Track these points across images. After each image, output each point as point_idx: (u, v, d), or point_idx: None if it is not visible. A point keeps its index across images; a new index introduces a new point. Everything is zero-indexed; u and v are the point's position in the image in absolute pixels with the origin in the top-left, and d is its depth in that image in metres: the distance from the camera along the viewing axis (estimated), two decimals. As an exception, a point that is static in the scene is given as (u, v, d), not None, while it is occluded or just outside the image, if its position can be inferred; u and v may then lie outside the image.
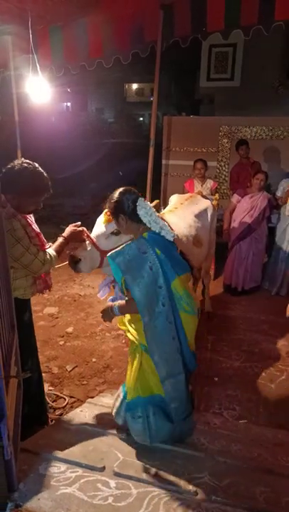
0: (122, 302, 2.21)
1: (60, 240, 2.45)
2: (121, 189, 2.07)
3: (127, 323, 2.27)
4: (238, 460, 2.22)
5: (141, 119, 15.04)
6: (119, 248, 2.08)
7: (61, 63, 5.29)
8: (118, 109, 14.28)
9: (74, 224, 2.54)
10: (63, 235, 2.47)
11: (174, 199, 3.66)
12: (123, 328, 2.35)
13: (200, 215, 3.45)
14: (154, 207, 2.62)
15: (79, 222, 2.52)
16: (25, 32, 4.24)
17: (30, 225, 2.30)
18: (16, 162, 2.17)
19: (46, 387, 3.05)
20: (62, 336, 3.80)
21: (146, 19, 5.03)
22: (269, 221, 4.61)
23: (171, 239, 2.07)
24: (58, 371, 3.29)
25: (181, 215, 3.28)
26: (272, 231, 4.72)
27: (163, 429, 2.21)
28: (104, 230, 2.50)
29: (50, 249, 2.36)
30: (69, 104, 14.21)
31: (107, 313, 2.23)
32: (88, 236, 2.52)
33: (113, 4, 4.59)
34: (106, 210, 2.49)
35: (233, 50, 7.15)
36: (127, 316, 2.26)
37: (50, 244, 2.44)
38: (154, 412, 2.18)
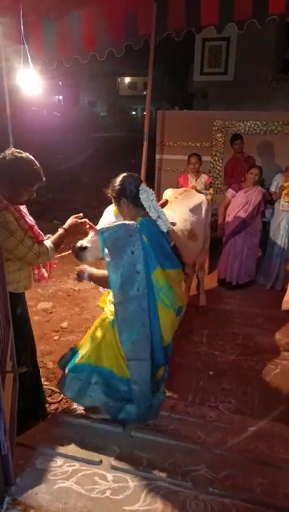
0: (95, 271, 2.25)
1: (60, 231, 2.40)
2: (124, 174, 2.14)
3: (107, 302, 2.36)
4: (235, 452, 2.24)
5: (134, 112, 14.97)
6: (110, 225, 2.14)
7: (54, 56, 5.23)
8: (111, 103, 14.19)
9: (76, 215, 2.47)
10: (64, 226, 2.42)
11: (168, 193, 3.65)
12: (101, 305, 2.46)
13: (194, 210, 3.45)
14: (162, 205, 2.63)
15: (81, 214, 2.47)
16: (17, 23, 4.18)
17: (23, 217, 2.28)
18: (7, 152, 2.13)
19: (42, 382, 3.04)
20: (57, 331, 3.78)
21: (139, 12, 4.99)
22: (263, 216, 4.62)
23: (165, 230, 2.09)
24: (53, 366, 3.27)
25: (176, 209, 3.28)
26: (265, 226, 4.74)
27: (97, 400, 2.29)
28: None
29: (48, 241, 2.33)
30: (61, 97, 14.06)
31: (80, 276, 2.29)
32: (92, 227, 2.49)
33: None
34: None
35: (227, 44, 7.13)
36: (110, 296, 2.31)
37: (49, 235, 2.41)
38: (97, 381, 2.26)
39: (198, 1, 4.64)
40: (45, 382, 3.06)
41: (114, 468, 1.99)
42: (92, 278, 2.25)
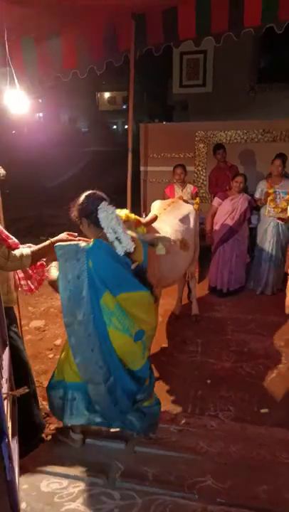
0: (53, 275, 2.19)
1: (46, 242, 2.30)
2: (87, 192, 2.09)
3: None
4: (238, 461, 2.24)
5: (114, 127, 15.12)
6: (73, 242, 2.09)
7: (35, 75, 5.28)
8: (91, 118, 14.31)
9: (69, 233, 2.39)
10: (52, 239, 2.32)
11: (156, 205, 3.68)
12: None
13: (184, 220, 3.49)
14: (151, 221, 2.59)
15: (76, 234, 2.39)
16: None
17: None
18: None
19: (40, 401, 3.00)
20: (51, 349, 3.74)
21: (118, 29, 5.08)
22: (249, 222, 4.69)
23: (121, 253, 2.01)
24: (50, 384, 3.24)
25: (166, 220, 3.32)
26: (252, 231, 4.81)
27: (80, 416, 2.22)
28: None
29: (26, 249, 2.26)
30: (41, 114, 14.12)
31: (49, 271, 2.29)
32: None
33: (86, 14, 4.61)
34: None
35: (204, 56, 7.28)
36: None
37: (30, 244, 2.36)
38: (75, 397, 2.21)
39: (176, 16, 4.76)
40: (43, 402, 3.02)
41: (120, 485, 1.97)
42: (51, 281, 2.23)
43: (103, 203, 2.00)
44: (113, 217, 1.99)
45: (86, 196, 2.07)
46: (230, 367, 3.39)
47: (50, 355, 3.65)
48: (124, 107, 14.68)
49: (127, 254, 2.04)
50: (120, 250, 2.00)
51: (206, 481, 2.04)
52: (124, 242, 1.99)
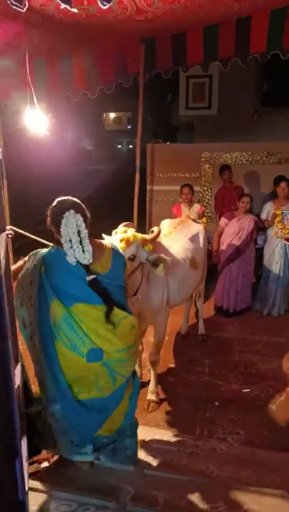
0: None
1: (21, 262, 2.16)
2: (58, 199, 2.00)
3: None
4: (251, 486, 2.18)
5: (119, 146, 15.38)
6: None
7: (45, 95, 5.40)
8: (97, 137, 14.57)
9: None
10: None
11: (166, 224, 3.70)
12: None
13: (193, 239, 3.51)
14: (155, 236, 2.58)
15: None
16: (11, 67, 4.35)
17: None
18: None
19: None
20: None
21: (128, 53, 5.23)
22: (255, 243, 4.71)
23: (72, 263, 1.88)
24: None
25: (176, 238, 3.33)
26: (258, 252, 4.83)
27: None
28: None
29: None
30: (48, 133, 14.29)
31: None
32: None
33: (97, 38, 4.75)
34: (121, 237, 2.55)
35: (210, 80, 7.46)
36: None
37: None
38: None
39: (184, 41, 4.90)
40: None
41: (131, 510, 1.92)
42: None
43: (68, 212, 1.88)
44: (72, 226, 1.87)
45: (56, 203, 1.97)
46: (239, 389, 3.35)
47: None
48: (129, 127, 14.94)
49: (84, 265, 1.92)
50: (70, 259, 1.88)
51: (218, 508, 1.99)
52: (77, 252, 1.88)
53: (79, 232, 1.89)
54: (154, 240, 2.79)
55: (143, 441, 2.62)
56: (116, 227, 2.87)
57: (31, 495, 1.91)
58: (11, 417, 1.54)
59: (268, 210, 4.49)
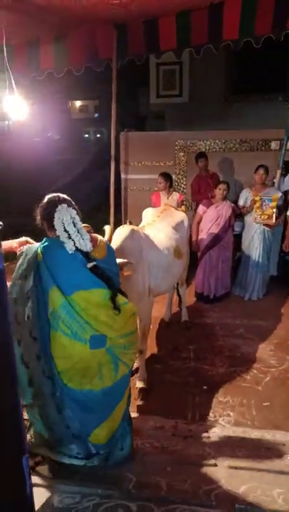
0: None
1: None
2: (49, 195, 2.03)
3: None
4: (248, 465, 2.25)
5: (86, 135, 15.07)
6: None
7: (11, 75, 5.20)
8: (63, 126, 14.19)
9: (28, 239, 2.23)
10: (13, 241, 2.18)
11: (149, 212, 3.68)
12: None
13: (177, 227, 3.51)
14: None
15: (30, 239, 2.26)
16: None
17: None
18: None
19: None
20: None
21: (100, 37, 5.11)
22: (233, 229, 4.78)
23: (70, 252, 1.91)
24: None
25: (160, 227, 3.32)
26: (235, 238, 4.90)
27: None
28: None
29: None
30: (11, 122, 13.82)
31: None
32: None
33: (68, 22, 4.61)
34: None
35: (180, 67, 7.43)
36: None
37: None
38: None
39: (157, 27, 4.85)
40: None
41: (136, 496, 1.93)
42: None
43: (60, 205, 1.94)
44: (66, 219, 1.93)
45: (47, 200, 2.01)
46: (225, 372, 3.42)
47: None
48: (96, 115, 14.65)
49: (84, 253, 1.96)
50: (70, 247, 1.91)
51: (220, 487, 2.03)
52: (77, 241, 1.92)
53: (74, 224, 1.92)
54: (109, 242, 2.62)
55: (138, 429, 2.64)
56: (88, 217, 2.81)
57: (34, 490, 1.87)
58: (17, 415, 1.50)
59: (245, 196, 4.56)
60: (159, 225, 3.35)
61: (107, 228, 2.59)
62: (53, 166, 11.96)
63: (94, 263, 1.95)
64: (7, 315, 1.40)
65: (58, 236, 1.93)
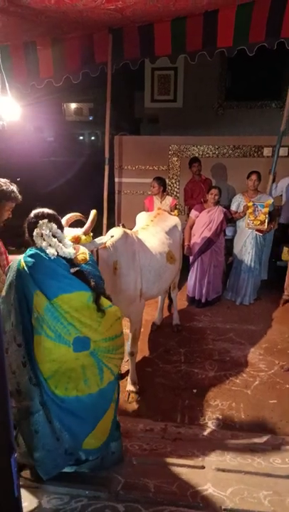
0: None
1: None
2: (33, 212, 2.04)
3: None
4: (235, 467, 2.27)
5: (81, 138, 15.09)
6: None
7: (12, 82, 5.21)
8: (57, 128, 14.20)
9: None
10: None
11: (142, 217, 3.71)
12: None
13: (170, 232, 3.53)
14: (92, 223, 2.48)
15: None
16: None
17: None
18: None
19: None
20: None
21: (96, 42, 5.15)
22: (224, 233, 4.82)
23: (52, 257, 1.92)
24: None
25: (153, 232, 3.35)
26: (226, 243, 4.94)
27: None
28: None
29: None
30: (5, 123, 13.74)
31: None
32: None
33: (64, 27, 4.63)
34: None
35: (175, 73, 7.49)
36: None
37: None
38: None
39: (152, 32, 4.90)
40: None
41: (123, 497, 1.94)
42: None
43: (41, 221, 1.97)
44: (46, 233, 1.95)
45: (30, 215, 2.03)
46: (215, 376, 3.44)
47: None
48: (91, 118, 14.68)
49: (67, 260, 1.98)
50: (51, 252, 1.93)
51: (207, 490, 2.04)
52: (60, 251, 1.95)
53: (54, 236, 1.97)
54: (89, 229, 2.48)
55: (127, 431, 2.65)
56: (81, 222, 2.80)
57: (22, 491, 1.87)
58: (5, 413, 1.50)
59: (238, 202, 4.61)
60: (153, 229, 3.38)
61: (93, 212, 2.52)
62: (46, 168, 11.97)
63: (77, 268, 1.98)
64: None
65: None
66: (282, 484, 2.11)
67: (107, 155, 5.47)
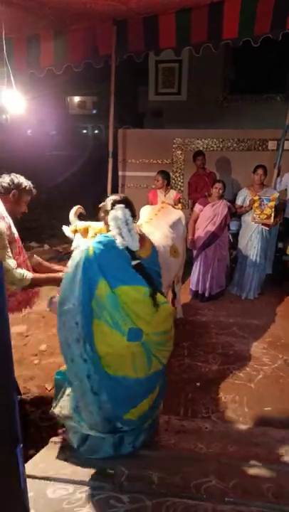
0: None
1: (51, 275, 2.46)
2: (112, 195, 2.25)
3: None
4: (238, 460, 2.28)
5: (84, 131, 15.06)
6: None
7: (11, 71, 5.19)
8: (60, 122, 14.17)
9: None
10: (57, 275, 2.42)
11: (146, 210, 3.70)
12: None
13: (174, 225, 3.53)
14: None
15: None
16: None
17: (9, 229, 2.38)
18: (8, 177, 2.41)
19: (28, 408, 2.93)
20: (36, 355, 3.66)
21: (99, 34, 5.11)
22: (228, 228, 4.81)
23: (121, 247, 2.06)
24: (38, 391, 3.16)
25: (157, 225, 3.34)
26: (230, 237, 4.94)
27: (65, 409, 2.26)
28: None
29: (30, 274, 2.36)
30: (8, 116, 13.71)
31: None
32: None
33: (67, 18, 4.60)
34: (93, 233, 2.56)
35: (179, 66, 7.43)
36: None
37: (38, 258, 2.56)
38: (69, 393, 2.26)
39: (157, 24, 4.85)
40: (32, 409, 2.95)
41: (128, 489, 1.96)
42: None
43: (118, 205, 2.12)
44: (120, 217, 2.09)
45: (109, 198, 2.22)
46: (218, 369, 3.45)
47: (36, 361, 3.56)
48: (94, 111, 14.65)
49: (131, 251, 2.10)
50: (119, 243, 2.06)
51: (210, 481, 2.06)
52: (126, 238, 2.06)
53: (127, 223, 2.08)
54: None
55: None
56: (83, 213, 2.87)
57: (27, 481, 1.89)
58: (11, 403, 1.51)
59: (243, 196, 4.59)
60: (156, 223, 3.37)
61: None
62: (49, 162, 11.96)
63: (138, 261, 2.11)
64: (3, 301, 1.41)
65: (109, 231, 2.12)
66: (285, 477, 2.13)
67: (110, 148, 5.44)
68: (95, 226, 2.58)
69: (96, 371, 2.06)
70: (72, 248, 2.51)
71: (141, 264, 2.12)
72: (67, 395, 2.26)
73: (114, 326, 2.05)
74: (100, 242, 2.09)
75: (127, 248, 2.08)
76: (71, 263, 2.08)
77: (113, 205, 2.13)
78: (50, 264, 2.69)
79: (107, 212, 2.15)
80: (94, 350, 2.06)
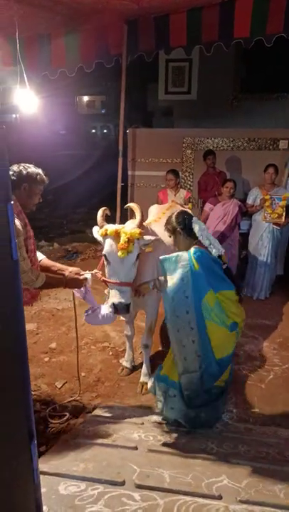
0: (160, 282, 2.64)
1: (60, 277, 2.56)
2: (179, 211, 2.68)
3: None
4: (250, 460, 2.27)
5: (93, 131, 15.08)
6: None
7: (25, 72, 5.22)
8: (70, 121, 14.19)
9: (77, 272, 2.65)
10: (66, 277, 2.55)
11: (154, 210, 3.69)
12: None
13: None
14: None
15: (84, 273, 2.67)
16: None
17: (28, 225, 2.40)
18: (18, 167, 2.36)
19: (38, 406, 2.95)
20: (46, 352, 3.67)
21: (110, 33, 5.11)
22: (239, 227, 4.79)
23: (216, 255, 2.51)
24: (48, 389, 3.18)
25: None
26: (241, 237, 4.91)
27: (179, 411, 2.62)
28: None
29: (43, 275, 2.39)
30: (18, 115, 13.78)
31: (145, 287, 2.75)
32: (105, 281, 2.75)
33: (78, 18, 4.61)
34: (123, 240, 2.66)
35: (189, 65, 7.41)
36: None
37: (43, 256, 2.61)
38: (175, 394, 2.62)
39: (168, 23, 4.84)
40: (43, 406, 2.96)
41: (140, 486, 1.95)
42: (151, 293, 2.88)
43: (194, 218, 2.54)
44: (204, 228, 2.54)
45: (179, 213, 2.63)
46: (228, 369, 3.43)
47: (46, 359, 3.58)
48: (103, 111, 14.64)
49: (219, 256, 2.55)
50: (215, 253, 2.51)
51: (222, 481, 2.05)
52: (217, 247, 2.51)
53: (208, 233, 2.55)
54: (142, 224, 2.85)
55: (141, 422, 2.68)
56: (93, 213, 2.88)
57: (40, 477, 1.90)
58: (27, 400, 1.52)
59: (254, 195, 4.57)
60: (164, 221, 3.34)
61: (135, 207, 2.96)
62: (59, 161, 11.99)
63: (226, 264, 2.56)
64: (20, 299, 1.41)
65: (195, 244, 2.53)
66: (298, 478, 2.11)
67: (120, 147, 5.44)
68: (126, 230, 2.66)
69: (208, 361, 2.53)
70: (104, 252, 2.67)
71: (229, 269, 2.61)
72: (173, 396, 2.62)
73: (220, 323, 2.51)
74: (199, 256, 2.44)
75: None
76: (178, 276, 2.45)
77: (190, 217, 2.53)
78: (54, 263, 2.74)
79: (188, 225, 2.52)
80: (209, 343, 2.52)
